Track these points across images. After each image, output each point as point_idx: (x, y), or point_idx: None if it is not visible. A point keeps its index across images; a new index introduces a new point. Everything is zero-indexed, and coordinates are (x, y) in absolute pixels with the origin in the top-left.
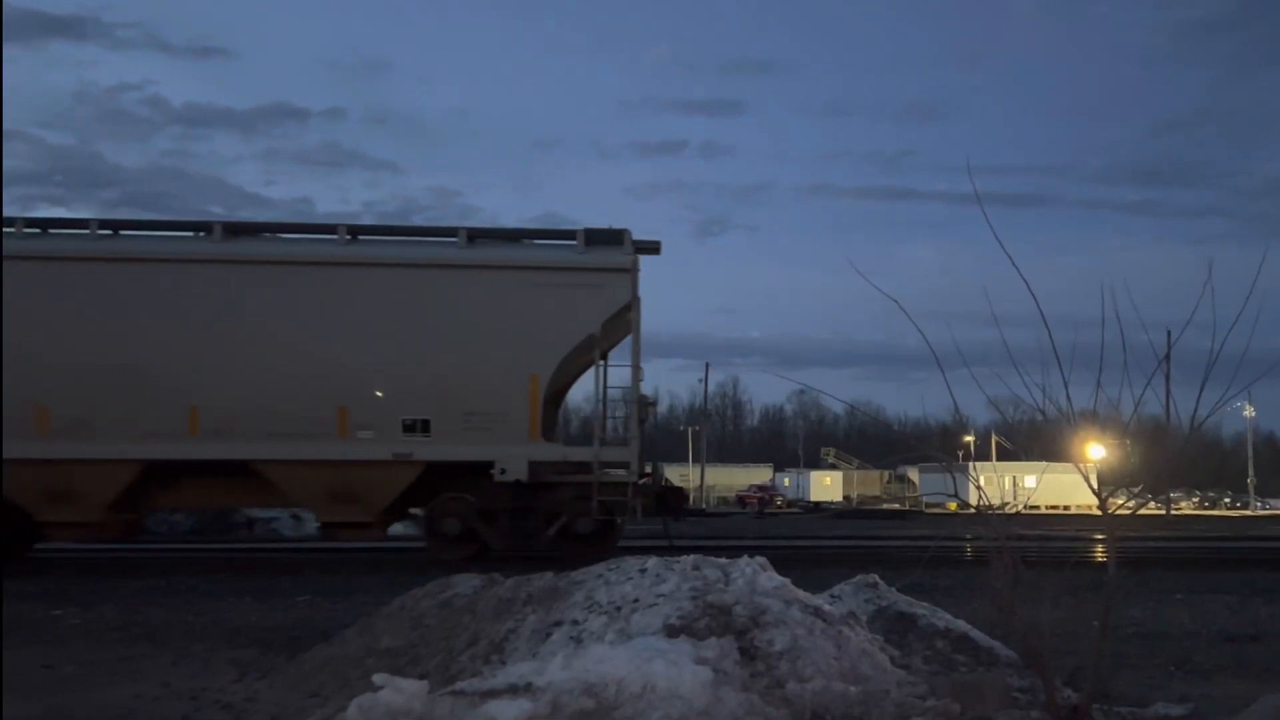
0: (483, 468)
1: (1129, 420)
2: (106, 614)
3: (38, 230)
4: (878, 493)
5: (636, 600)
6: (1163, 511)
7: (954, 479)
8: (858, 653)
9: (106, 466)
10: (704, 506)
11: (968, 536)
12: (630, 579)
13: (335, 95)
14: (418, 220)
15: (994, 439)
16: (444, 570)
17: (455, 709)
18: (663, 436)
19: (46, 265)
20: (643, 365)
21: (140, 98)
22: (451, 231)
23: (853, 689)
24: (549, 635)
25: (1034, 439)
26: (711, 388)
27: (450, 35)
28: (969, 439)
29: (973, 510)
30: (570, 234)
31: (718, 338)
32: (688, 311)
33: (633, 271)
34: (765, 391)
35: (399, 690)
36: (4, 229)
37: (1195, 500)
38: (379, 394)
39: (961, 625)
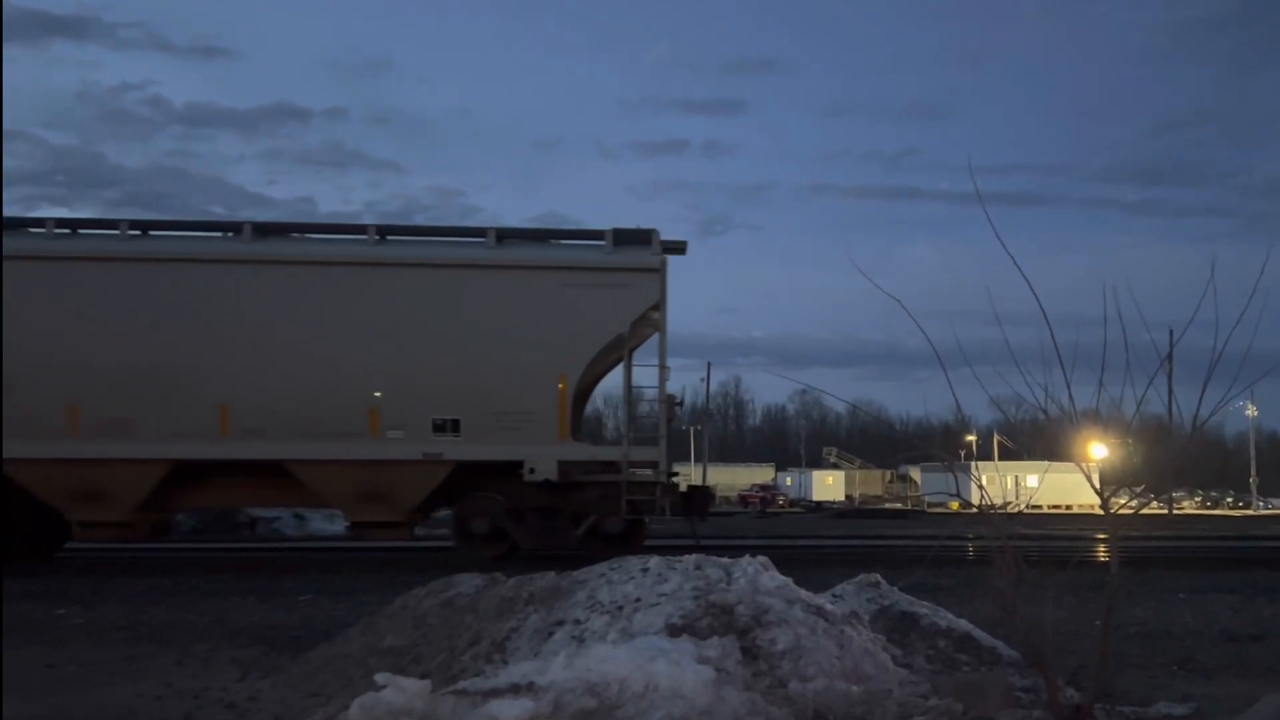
0: (511, 467)
1: (1131, 419)
2: (109, 613)
3: (68, 231)
4: (880, 492)
5: (639, 600)
6: (1165, 511)
7: (956, 478)
8: (860, 652)
9: (137, 466)
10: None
11: (970, 536)
12: (632, 578)
13: (337, 95)
14: (419, 220)
15: (996, 438)
16: (445, 570)
17: (457, 708)
18: None
19: (77, 266)
20: (668, 365)
21: (142, 98)
22: (480, 232)
23: (855, 688)
24: (551, 634)
25: (1036, 438)
26: (714, 387)
27: (451, 35)
28: (971, 438)
29: (975, 510)
30: (598, 234)
31: (720, 337)
32: (690, 311)
33: (661, 271)
34: (767, 391)
35: (401, 689)
36: (35, 230)
37: (1197, 500)
38: (409, 394)
39: (964, 625)
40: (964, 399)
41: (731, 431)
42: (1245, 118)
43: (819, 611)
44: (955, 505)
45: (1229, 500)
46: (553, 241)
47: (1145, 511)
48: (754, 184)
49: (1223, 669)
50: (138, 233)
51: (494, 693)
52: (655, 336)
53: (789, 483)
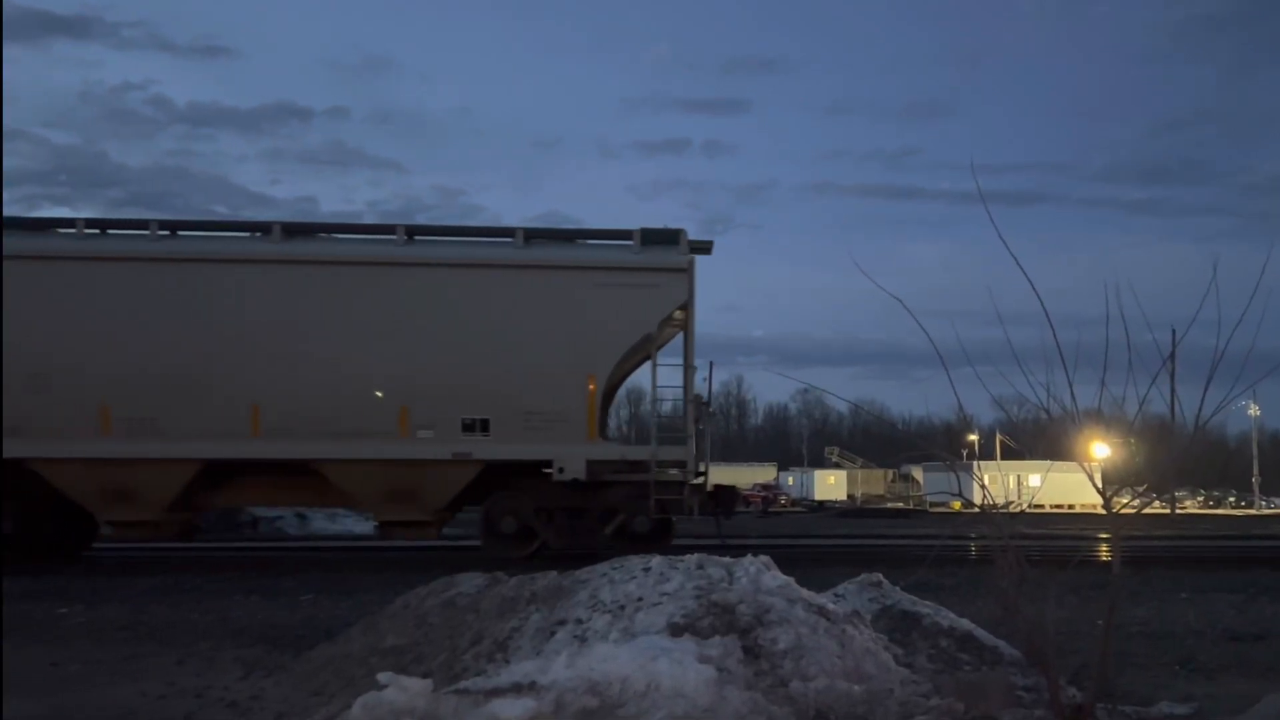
0: (539, 467)
1: (1133, 419)
2: (111, 613)
3: (97, 231)
4: (882, 492)
5: (640, 599)
6: (1167, 511)
7: (958, 478)
8: (861, 651)
9: (168, 465)
10: None
11: (972, 535)
12: (634, 578)
13: (338, 94)
14: (421, 219)
15: (998, 438)
16: (447, 570)
17: (459, 707)
18: None
19: (107, 266)
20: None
21: (144, 97)
22: (509, 232)
23: (856, 688)
24: (553, 634)
25: (1038, 438)
26: (715, 386)
27: (452, 34)
28: (973, 438)
29: (977, 509)
30: (626, 234)
31: (721, 336)
32: None
33: (689, 271)
34: (769, 390)
35: (403, 689)
36: (65, 230)
37: (1200, 499)
38: (439, 394)
39: (965, 624)
40: (966, 398)
41: (733, 430)
42: (1246, 117)
43: (821, 611)
44: (957, 505)
45: (1231, 500)
46: (580, 242)
47: (1147, 511)
48: (755, 183)
49: (1225, 669)
50: (167, 233)
51: (496, 692)
52: (679, 336)
53: (791, 482)
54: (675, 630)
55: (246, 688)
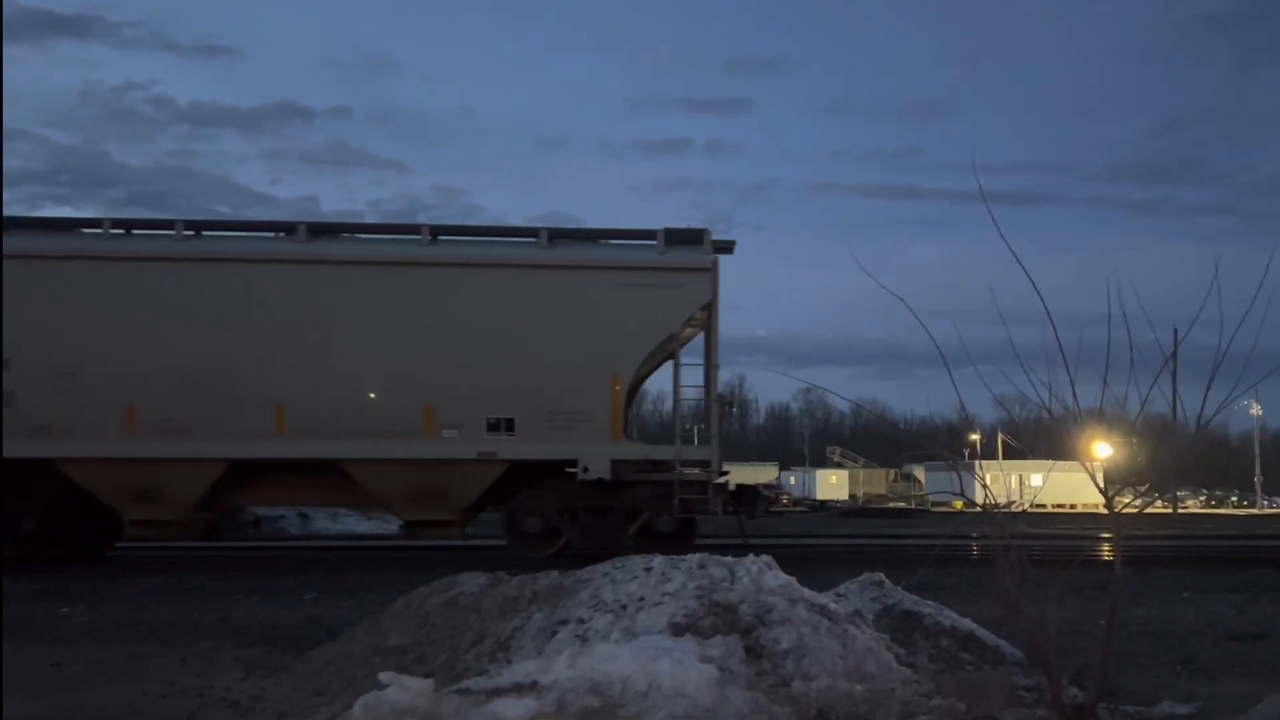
0: (562, 466)
1: (1135, 418)
2: (113, 612)
3: (122, 231)
4: (883, 491)
5: (642, 599)
6: (1169, 510)
7: (960, 477)
8: (863, 651)
9: (194, 465)
10: None
11: (974, 535)
12: (636, 577)
13: (340, 94)
14: (423, 219)
15: (1000, 437)
16: (451, 569)
17: (461, 707)
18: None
19: (132, 266)
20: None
21: (146, 97)
22: (533, 232)
23: (858, 687)
24: (554, 634)
25: (1040, 437)
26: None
27: (454, 34)
28: (975, 437)
29: (979, 509)
30: (650, 234)
31: (723, 335)
32: None
33: (713, 271)
34: (771, 390)
35: (405, 688)
36: (91, 230)
37: (1202, 499)
38: (464, 393)
39: (967, 624)
40: (968, 398)
41: (735, 430)
42: (1247, 116)
43: (822, 611)
44: (959, 504)
45: (1233, 499)
46: (603, 242)
47: (1149, 511)
48: (756, 183)
49: (1226, 668)
50: (191, 233)
51: (497, 692)
52: (700, 335)
53: (793, 482)
54: (677, 630)
55: (248, 687)
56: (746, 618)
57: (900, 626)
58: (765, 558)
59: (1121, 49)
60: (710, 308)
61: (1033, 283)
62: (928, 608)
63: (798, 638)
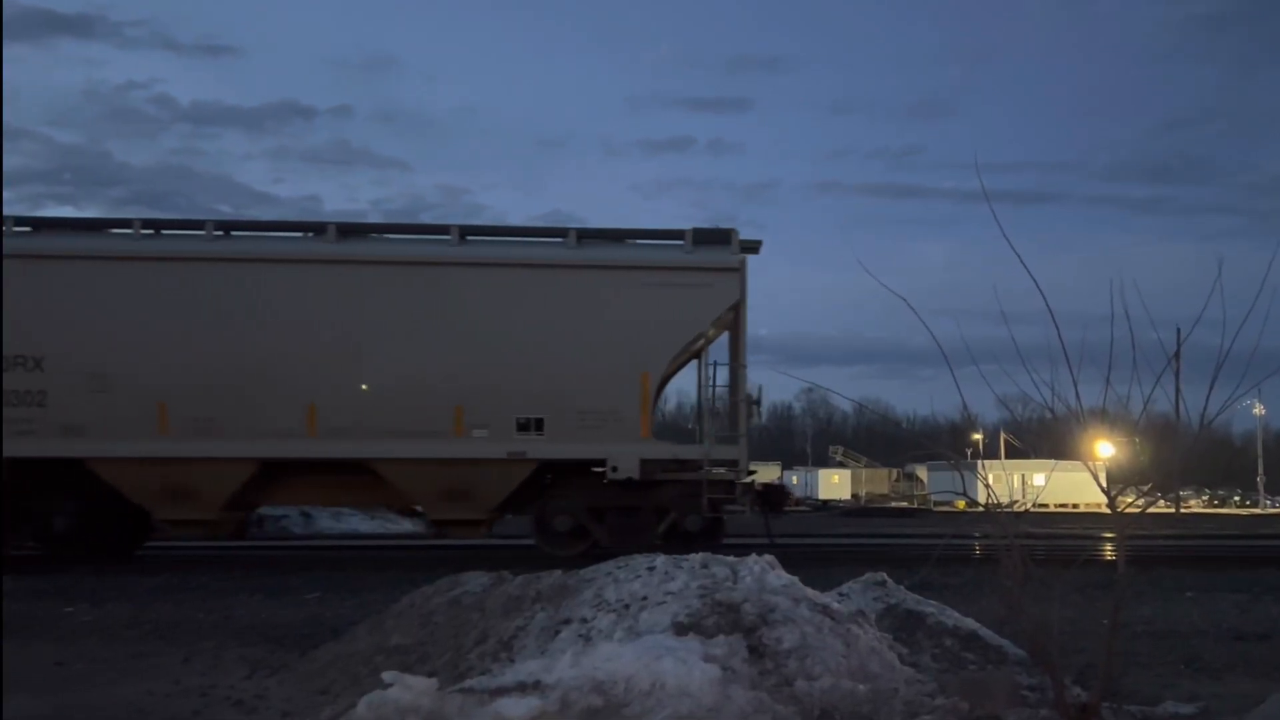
0: (590, 466)
1: (1138, 418)
2: (117, 611)
3: (151, 232)
4: (886, 491)
5: (645, 598)
6: (1172, 509)
7: (963, 477)
8: (866, 651)
9: (225, 465)
10: None
11: (976, 535)
12: (639, 577)
13: (342, 93)
14: (426, 218)
15: (1003, 437)
16: (454, 568)
17: (464, 706)
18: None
19: (164, 266)
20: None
21: (148, 96)
22: (561, 232)
23: (861, 687)
24: (558, 633)
25: (1043, 437)
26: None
27: (457, 33)
28: (978, 437)
29: (981, 508)
30: (678, 234)
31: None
32: None
33: (741, 270)
34: (773, 389)
35: (408, 687)
36: (121, 231)
37: (1205, 498)
38: (493, 393)
39: (970, 623)
40: (970, 397)
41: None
42: (1250, 115)
43: (825, 610)
44: (962, 504)
45: (1236, 499)
46: (631, 242)
47: (1152, 510)
48: (759, 182)
49: (1230, 668)
50: (221, 233)
51: (501, 691)
52: (724, 335)
53: (795, 481)
54: (680, 629)
55: (252, 686)
56: (749, 617)
57: (903, 626)
58: (768, 557)
59: (1123, 48)
60: (738, 307)
61: (1035, 282)
62: (930, 607)
63: (801, 637)
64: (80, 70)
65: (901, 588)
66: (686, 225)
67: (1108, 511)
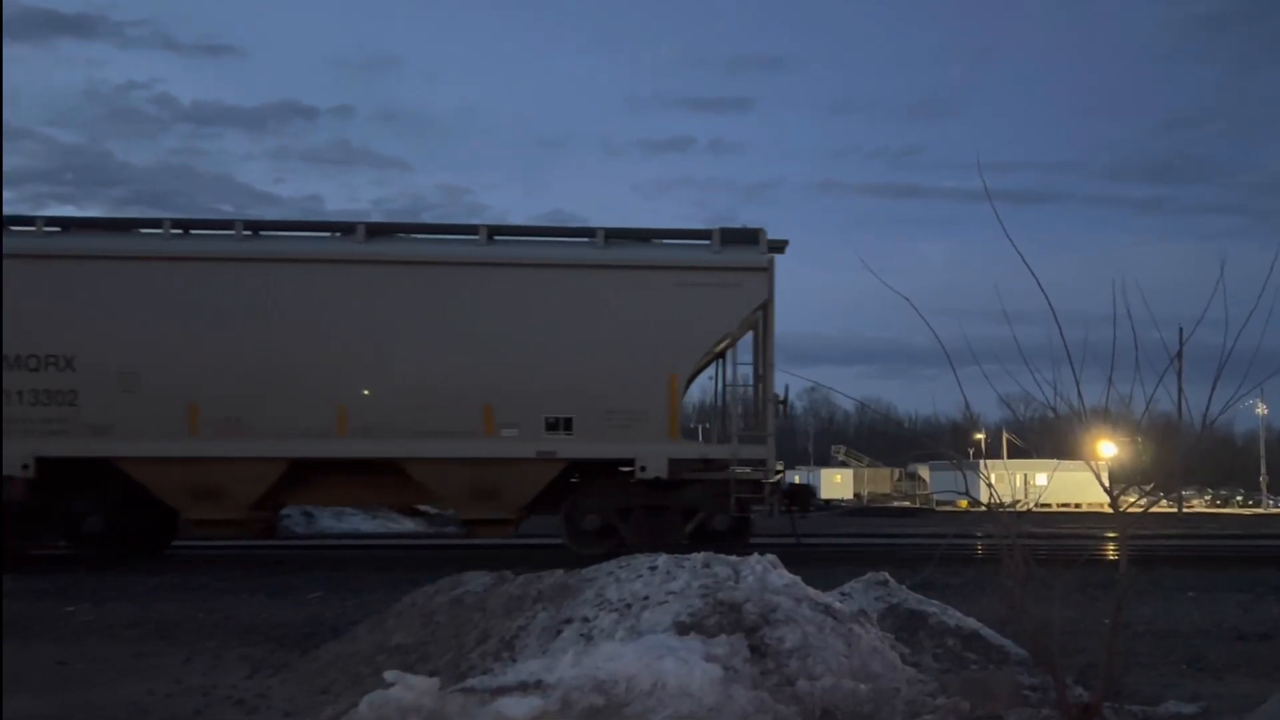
0: (618, 465)
1: (1140, 417)
2: (118, 610)
3: (180, 232)
4: (888, 490)
5: (647, 598)
6: (1174, 509)
7: (965, 476)
8: (868, 650)
9: (255, 465)
10: None
11: (978, 534)
12: (640, 576)
13: (343, 93)
14: (427, 218)
15: (1005, 436)
16: (455, 568)
17: (466, 706)
18: None
19: (195, 266)
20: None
21: (149, 96)
22: (589, 232)
23: (863, 687)
24: (559, 632)
25: (1045, 436)
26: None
27: (458, 33)
28: (980, 436)
29: (984, 508)
30: (705, 234)
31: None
32: None
33: (769, 270)
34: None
35: (410, 687)
36: (151, 231)
37: (1207, 498)
38: (523, 392)
39: (972, 623)
40: (972, 397)
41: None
42: (1251, 115)
43: (827, 610)
44: (964, 504)
45: (1238, 499)
46: (658, 241)
47: (1154, 510)
48: (760, 182)
49: (1232, 668)
50: (250, 233)
51: (502, 690)
52: (749, 335)
53: (797, 480)
54: (681, 629)
55: (253, 686)
56: (751, 617)
57: (905, 626)
58: (770, 556)
59: (1124, 48)
60: (766, 307)
61: (1037, 281)
62: (932, 607)
63: (802, 637)
64: (81, 70)
65: (903, 587)
66: (688, 225)
67: (1110, 511)
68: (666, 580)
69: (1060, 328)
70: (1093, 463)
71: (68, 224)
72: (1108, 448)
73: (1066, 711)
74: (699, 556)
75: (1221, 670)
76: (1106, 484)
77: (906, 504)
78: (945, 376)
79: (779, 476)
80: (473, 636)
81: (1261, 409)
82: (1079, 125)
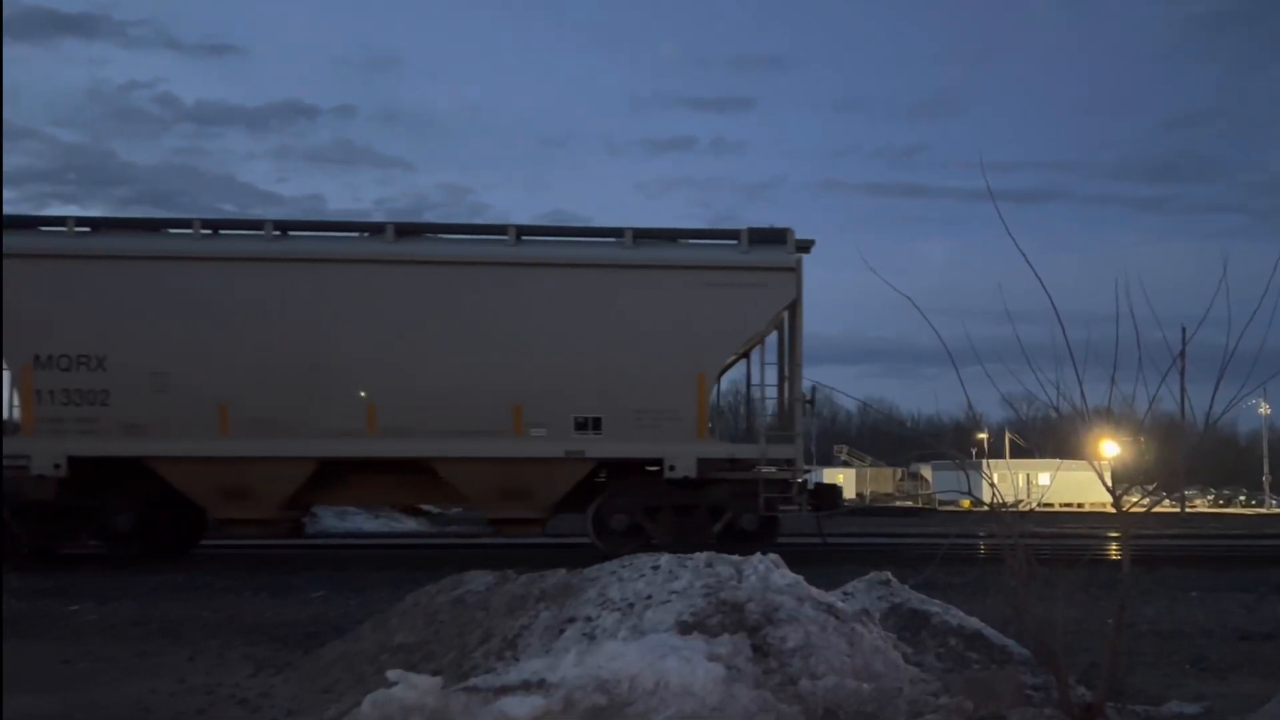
0: (646, 465)
1: (1143, 417)
2: (122, 610)
3: (209, 232)
4: (891, 490)
5: (649, 597)
6: (1177, 509)
7: (968, 476)
8: (870, 650)
9: (284, 464)
10: None
11: (981, 534)
12: (643, 576)
13: (345, 92)
14: (429, 217)
15: (1008, 436)
16: (458, 567)
17: (469, 705)
18: None
19: (225, 266)
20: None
21: (152, 95)
22: (617, 232)
23: (865, 686)
24: (562, 632)
25: (1048, 436)
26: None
27: (460, 32)
28: (982, 436)
29: (986, 508)
30: (733, 234)
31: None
32: None
33: (797, 270)
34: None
35: (413, 686)
36: (182, 230)
37: (1210, 498)
38: (551, 392)
39: (975, 623)
40: (975, 396)
41: (741, 429)
42: (1254, 114)
43: (829, 609)
44: (967, 503)
45: (1241, 499)
46: (685, 242)
47: (1157, 510)
48: (762, 181)
49: (1235, 668)
50: (279, 233)
51: (505, 689)
52: (774, 334)
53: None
54: (684, 628)
55: (257, 685)
56: (754, 616)
57: (907, 625)
58: (772, 556)
59: (1127, 47)
60: (794, 306)
61: (1040, 280)
62: (935, 606)
63: (805, 636)
64: (84, 70)
65: (906, 587)
66: (689, 224)
67: (1113, 511)
68: (669, 580)
69: (1063, 327)
70: (1095, 462)
71: (98, 224)
72: (1110, 447)
73: (1070, 711)
74: (701, 556)
75: (1225, 670)
76: (1109, 484)
77: (909, 504)
78: (948, 376)
79: (805, 476)
80: (475, 636)
81: (1264, 409)
82: (1080, 125)
